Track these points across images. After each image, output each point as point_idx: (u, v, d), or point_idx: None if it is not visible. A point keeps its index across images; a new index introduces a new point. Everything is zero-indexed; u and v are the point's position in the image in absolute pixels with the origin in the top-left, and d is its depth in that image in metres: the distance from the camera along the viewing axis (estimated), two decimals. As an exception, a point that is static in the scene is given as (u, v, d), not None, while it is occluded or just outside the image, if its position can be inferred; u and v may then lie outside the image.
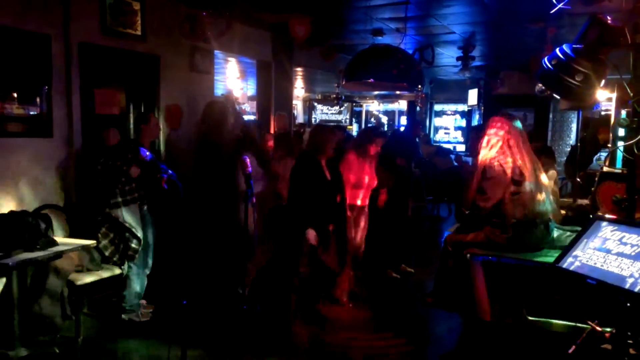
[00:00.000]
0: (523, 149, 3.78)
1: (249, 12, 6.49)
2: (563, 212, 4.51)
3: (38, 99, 4.53)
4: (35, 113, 4.52)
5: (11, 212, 3.93)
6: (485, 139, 3.85)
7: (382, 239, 5.70)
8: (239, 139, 4.99)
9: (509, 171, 3.68)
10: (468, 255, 3.72)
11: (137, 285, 4.44)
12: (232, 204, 4.59)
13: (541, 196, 3.72)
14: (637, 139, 2.62)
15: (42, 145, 4.53)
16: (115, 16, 5.09)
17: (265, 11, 6.53)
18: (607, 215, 2.58)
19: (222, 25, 6.00)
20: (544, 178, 3.85)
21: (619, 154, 4.18)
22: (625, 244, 2.32)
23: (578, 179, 5.41)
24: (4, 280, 3.56)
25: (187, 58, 6.11)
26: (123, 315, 4.43)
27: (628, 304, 2.15)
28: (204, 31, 5.82)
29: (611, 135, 4.50)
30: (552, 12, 2.93)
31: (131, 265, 4.39)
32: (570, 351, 2.53)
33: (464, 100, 13.46)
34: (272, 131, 7.52)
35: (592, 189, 4.25)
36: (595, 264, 2.32)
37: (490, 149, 3.79)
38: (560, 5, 2.94)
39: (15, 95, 4.37)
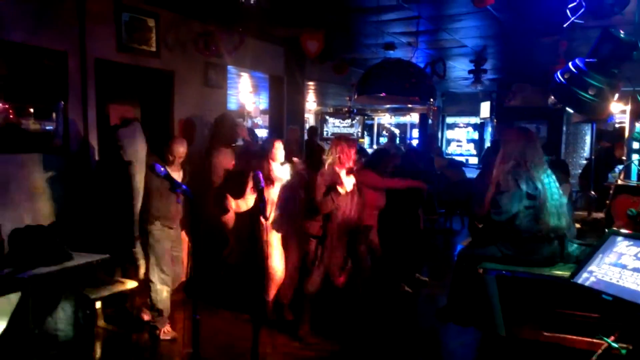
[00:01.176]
0: (539, 163, 3.76)
1: (262, 27, 6.56)
2: (578, 225, 4.47)
3: (54, 115, 4.61)
4: (52, 128, 4.59)
5: (27, 226, 3.98)
6: (501, 152, 3.83)
7: (394, 253, 5.68)
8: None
9: (523, 185, 3.66)
10: (481, 270, 3.69)
11: (161, 289, 4.43)
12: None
13: (557, 210, 3.69)
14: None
15: (58, 161, 4.59)
16: (130, 33, 5.17)
17: (277, 26, 6.59)
18: (622, 230, 2.55)
19: (235, 40, 6.07)
20: (560, 192, 3.81)
21: (634, 167, 4.15)
22: (641, 259, 2.29)
23: (593, 192, 5.36)
24: (19, 294, 3.60)
25: (201, 73, 6.18)
26: (145, 317, 4.42)
27: (645, 320, 2.13)
28: (218, 47, 5.90)
29: (625, 148, 4.47)
30: (564, 25, 2.93)
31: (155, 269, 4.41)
32: (586, 368, 2.49)
33: (476, 112, 13.43)
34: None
35: (607, 202, 4.22)
36: (611, 279, 2.29)
37: (506, 163, 3.78)
38: (573, 19, 2.94)
39: (31, 110, 4.44)
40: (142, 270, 4.46)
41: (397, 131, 16.95)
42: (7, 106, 4.23)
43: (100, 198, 4.55)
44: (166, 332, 4.41)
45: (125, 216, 4.36)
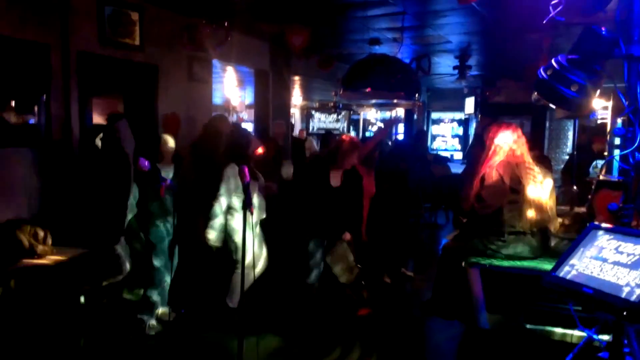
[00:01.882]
0: (525, 158, 3.81)
1: (247, 22, 6.52)
2: (560, 220, 4.53)
3: (36, 108, 4.55)
4: (34, 122, 4.53)
5: (8, 221, 3.94)
6: (492, 147, 3.86)
7: (380, 245, 5.72)
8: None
9: (507, 180, 3.70)
10: (465, 264, 3.73)
11: (158, 283, 4.46)
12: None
13: (541, 205, 3.73)
14: (633, 147, 2.63)
15: (40, 155, 4.53)
16: (113, 26, 5.12)
17: (263, 21, 6.57)
18: (603, 224, 2.59)
19: (220, 35, 6.03)
20: (543, 187, 3.86)
21: (615, 163, 4.21)
22: (621, 252, 2.33)
23: (575, 187, 5.43)
24: (0, 289, 3.56)
25: (186, 67, 6.14)
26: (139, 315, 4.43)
27: (624, 313, 2.16)
28: (203, 41, 5.86)
29: (607, 144, 4.53)
30: (544, 22, 2.95)
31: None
32: (568, 359, 2.53)
33: (461, 108, 13.52)
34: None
35: (589, 197, 4.28)
36: (591, 272, 2.33)
37: (493, 157, 3.81)
38: (552, 15, 2.96)
39: (13, 104, 4.38)
40: (125, 267, 4.43)
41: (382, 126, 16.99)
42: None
43: (89, 190, 4.49)
44: (151, 326, 4.40)
45: (117, 208, 4.31)
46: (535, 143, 9.94)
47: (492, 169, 3.75)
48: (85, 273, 4.18)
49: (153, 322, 4.42)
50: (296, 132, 13.73)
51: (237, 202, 4.23)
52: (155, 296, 4.44)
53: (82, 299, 4.15)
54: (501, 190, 3.69)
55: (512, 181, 3.70)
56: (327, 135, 8.87)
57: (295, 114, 15.93)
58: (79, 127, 4.83)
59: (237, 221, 4.24)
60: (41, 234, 3.91)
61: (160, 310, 4.52)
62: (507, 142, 3.82)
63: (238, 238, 4.16)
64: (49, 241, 3.96)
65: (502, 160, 3.77)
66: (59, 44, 4.64)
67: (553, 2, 2.80)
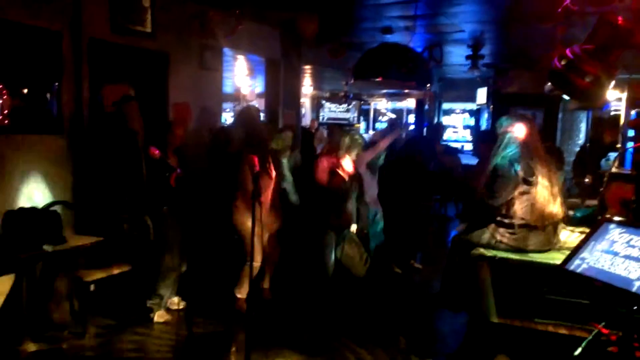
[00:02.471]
0: (539, 150, 3.77)
1: (258, 9, 6.49)
2: (571, 212, 4.49)
3: (48, 95, 4.57)
4: (46, 109, 4.55)
5: (20, 208, 3.97)
6: (505, 138, 3.82)
7: (391, 236, 5.75)
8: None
9: (520, 171, 3.66)
10: (474, 256, 3.71)
11: (168, 274, 4.48)
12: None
13: (552, 197, 3.70)
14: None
15: (51, 142, 4.56)
16: (125, 13, 5.11)
17: (274, 9, 6.53)
18: (615, 218, 2.56)
19: (231, 22, 6.01)
20: (555, 180, 3.82)
21: (628, 155, 4.16)
22: (633, 246, 2.30)
23: (587, 180, 5.38)
24: (13, 276, 3.60)
25: (197, 55, 6.12)
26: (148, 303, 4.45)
27: (635, 307, 2.14)
28: (214, 29, 5.84)
29: (620, 136, 4.48)
30: (558, 10, 2.91)
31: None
32: (576, 353, 2.51)
33: (472, 98, 13.40)
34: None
35: (601, 189, 4.23)
36: (602, 266, 2.30)
37: (506, 148, 3.77)
38: (566, 3, 2.92)
39: (25, 91, 4.40)
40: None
41: (393, 116, 16.93)
42: (0, 86, 4.18)
43: (102, 170, 4.53)
44: (160, 315, 4.43)
45: (133, 182, 4.36)
46: (548, 134, 9.88)
47: (505, 159, 3.71)
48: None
49: (161, 311, 4.45)
50: (307, 122, 13.71)
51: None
52: (163, 289, 4.46)
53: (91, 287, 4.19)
54: (512, 181, 3.66)
55: (525, 172, 3.66)
56: (333, 127, 8.84)
57: (306, 103, 15.89)
58: (89, 114, 4.84)
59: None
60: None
61: (170, 299, 4.55)
62: (520, 134, 3.77)
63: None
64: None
65: (516, 150, 3.73)
66: (71, 31, 4.65)
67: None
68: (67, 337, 3.97)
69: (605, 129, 6.76)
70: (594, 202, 4.54)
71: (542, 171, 3.69)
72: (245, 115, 5.06)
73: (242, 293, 4.59)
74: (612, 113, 7.77)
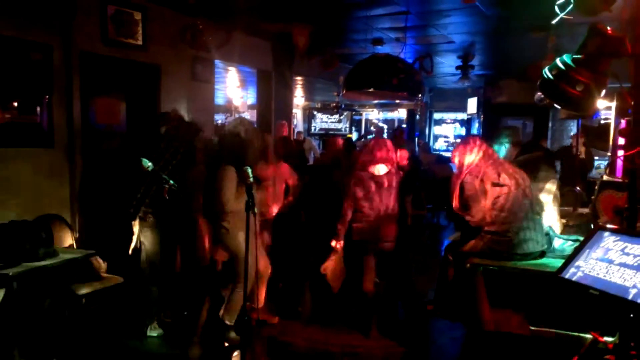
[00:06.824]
0: (503, 162, 3.89)
1: (250, 21, 6.52)
2: (563, 221, 4.51)
3: (39, 109, 4.54)
4: (36, 122, 4.53)
5: (12, 222, 3.92)
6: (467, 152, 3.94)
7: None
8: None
9: (483, 177, 3.71)
10: (468, 264, 3.71)
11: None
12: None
13: (526, 193, 3.73)
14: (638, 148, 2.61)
15: (43, 155, 4.53)
16: (116, 26, 5.11)
17: (266, 21, 6.56)
18: (609, 226, 2.58)
19: (222, 34, 6.03)
20: (525, 177, 3.85)
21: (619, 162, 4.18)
22: (627, 254, 2.31)
23: (578, 188, 5.41)
24: (3, 291, 3.55)
25: (188, 67, 6.13)
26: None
27: (631, 315, 2.14)
28: (205, 40, 5.85)
29: (611, 143, 4.51)
30: (553, 22, 2.94)
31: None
32: (573, 362, 2.52)
33: (463, 108, 13.49)
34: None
35: (592, 197, 4.25)
36: (597, 274, 2.31)
37: (468, 156, 3.90)
38: (562, 15, 2.95)
39: (16, 104, 4.38)
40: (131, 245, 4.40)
41: (384, 126, 16.97)
42: (-10, 100, 4.16)
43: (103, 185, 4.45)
44: (153, 328, 4.39)
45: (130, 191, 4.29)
46: (538, 144, 9.94)
47: (468, 174, 3.82)
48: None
49: (154, 324, 4.40)
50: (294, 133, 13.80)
51: None
52: (155, 303, 4.41)
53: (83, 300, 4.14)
54: (480, 194, 3.73)
55: (487, 177, 3.73)
56: (328, 137, 8.88)
57: (297, 114, 15.91)
58: (80, 127, 4.82)
59: None
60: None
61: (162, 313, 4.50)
62: (470, 160, 3.88)
63: None
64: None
65: (478, 161, 3.84)
66: (62, 44, 4.64)
67: (559, 2, 2.78)
68: (59, 353, 3.91)
69: (595, 137, 6.79)
70: (586, 210, 4.56)
71: (508, 172, 3.74)
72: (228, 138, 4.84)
73: (230, 319, 4.16)
74: (602, 121, 7.84)
